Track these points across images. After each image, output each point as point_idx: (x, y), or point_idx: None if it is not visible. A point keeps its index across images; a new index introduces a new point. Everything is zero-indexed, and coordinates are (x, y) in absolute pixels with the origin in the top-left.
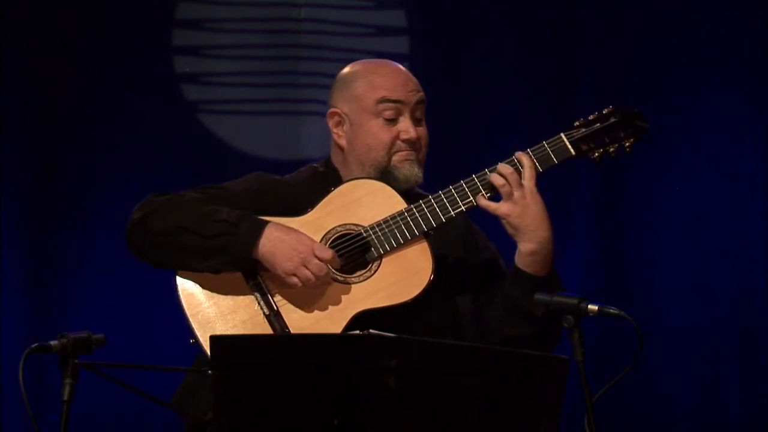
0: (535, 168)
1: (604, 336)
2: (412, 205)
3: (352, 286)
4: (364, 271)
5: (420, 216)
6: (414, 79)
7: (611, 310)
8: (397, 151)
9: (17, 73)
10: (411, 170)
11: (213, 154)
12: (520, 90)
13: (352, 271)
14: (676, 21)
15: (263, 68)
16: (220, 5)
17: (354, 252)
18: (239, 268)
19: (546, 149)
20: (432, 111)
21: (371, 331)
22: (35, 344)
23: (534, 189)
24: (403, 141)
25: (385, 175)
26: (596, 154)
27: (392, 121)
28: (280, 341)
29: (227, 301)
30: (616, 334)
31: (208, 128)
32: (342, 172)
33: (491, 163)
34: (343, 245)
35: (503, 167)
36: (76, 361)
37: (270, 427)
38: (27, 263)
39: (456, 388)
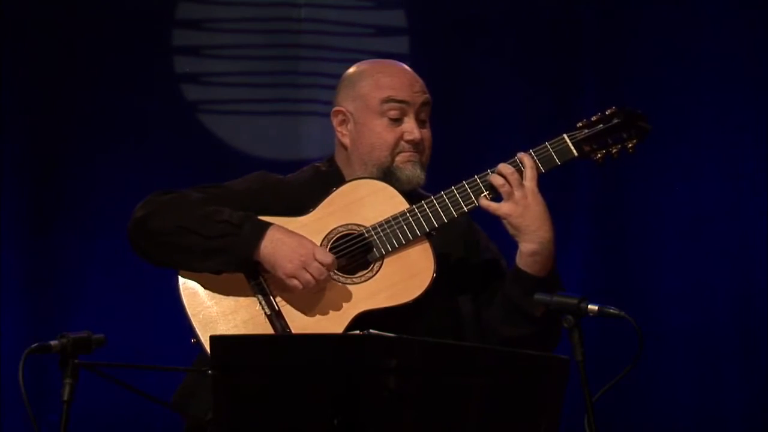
0: (537, 168)
1: (604, 336)
2: (414, 206)
3: (354, 286)
4: (366, 271)
5: (422, 216)
6: (420, 80)
7: (611, 310)
8: (401, 152)
9: (17, 73)
10: (413, 172)
11: (213, 154)
12: (520, 90)
13: (353, 272)
14: (676, 21)
15: (263, 68)
16: (220, 5)
17: (356, 252)
18: (240, 269)
19: (549, 150)
20: (432, 111)
21: (371, 331)
22: (35, 344)
23: (535, 189)
24: (407, 142)
25: (388, 175)
26: (599, 155)
27: (397, 121)
28: (280, 341)
29: (229, 301)
30: (616, 334)
31: (208, 128)
32: (345, 172)
33: (491, 163)
34: (344, 245)
35: (504, 167)
36: (76, 361)
37: (270, 427)
38: (27, 263)
39: (456, 388)
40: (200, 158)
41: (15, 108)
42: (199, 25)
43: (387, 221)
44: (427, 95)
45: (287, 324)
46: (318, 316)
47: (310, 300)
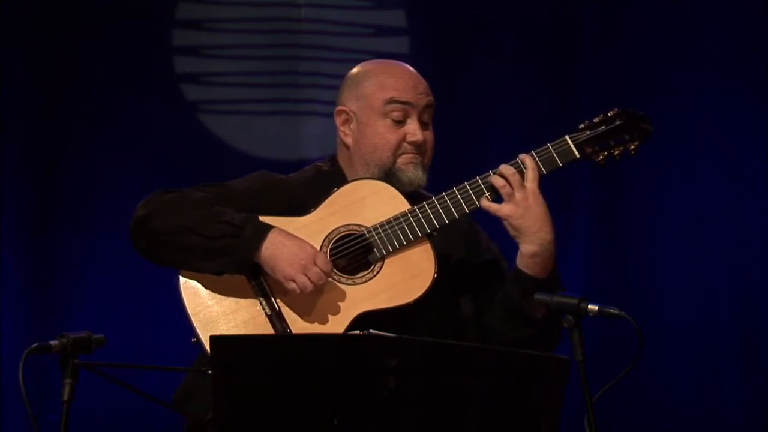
0: (539, 170)
1: (604, 336)
2: (415, 207)
3: (355, 286)
4: (367, 272)
5: (423, 217)
6: (424, 82)
7: (611, 310)
8: (403, 153)
9: (17, 73)
10: (415, 173)
11: (213, 154)
12: (520, 90)
13: (354, 272)
14: (676, 21)
15: (263, 68)
16: (220, 5)
17: (357, 253)
18: (241, 271)
19: (550, 151)
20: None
21: (371, 331)
22: (35, 344)
23: (536, 191)
24: (409, 143)
25: (389, 176)
26: (600, 156)
27: (400, 122)
28: (280, 341)
29: (229, 301)
30: (616, 334)
31: (209, 128)
32: (347, 172)
33: (491, 164)
34: (345, 246)
35: (505, 168)
36: (76, 361)
37: (270, 427)
38: (27, 263)
39: (456, 388)
40: (200, 158)
41: (15, 108)
42: (199, 25)
43: (388, 222)
44: (431, 97)
45: (288, 324)
46: (318, 317)
47: (311, 300)
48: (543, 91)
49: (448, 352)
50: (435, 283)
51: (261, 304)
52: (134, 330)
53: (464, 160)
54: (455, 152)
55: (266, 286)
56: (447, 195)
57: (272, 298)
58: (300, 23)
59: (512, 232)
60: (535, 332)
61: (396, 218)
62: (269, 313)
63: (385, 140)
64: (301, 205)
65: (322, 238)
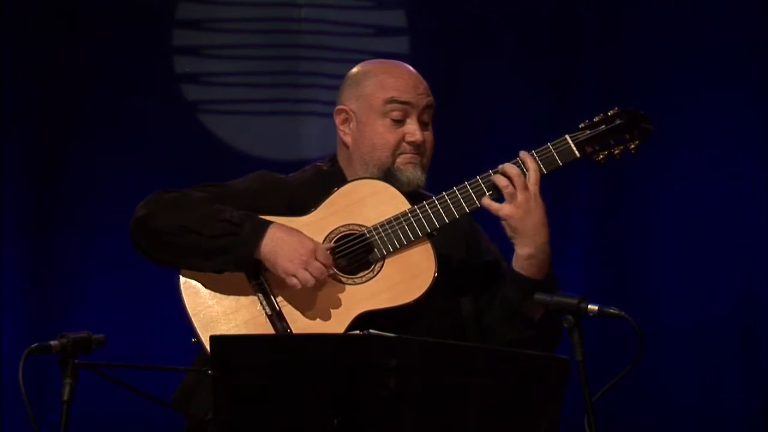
0: (540, 170)
1: (604, 336)
2: (415, 206)
3: (355, 286)
4: (367, 271)
5: (423, 217)
6: (424, 82)
7: (611, 310)
8: (402, 153)
9: (17, 73)
10: (414, 173)
11: (213, 154)
12: (520, 90)
13: (355, 272)
14: (676, 21)
15: (263, 68)
16: (220, 5)
17: (357, 252)
18: (242, 269)
19: (551, 151)
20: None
21: (371, 331)
22: (35, 344)
23: (538, 194)
24: (409, 143)
25: (388, 176)
26: (601, 156)
27: (399, 122)
28: (280, 341)
29: (230, 301)
30: (616, 334)
31: (208, 128)
32: (346, 171)
33: (491, 164)
34: (346, 246)
35: (510, 168)
36: (76, 361)
37: (270, 427)
38: (27, 263)
39: (456, 388)
40: (200, 158)
41: (15, 108)
42: (199, 25)
43: (388, 221)
44: (431, 98)
45: (288, 324)
46: (319, 316)
47: (311, 300)
48: (543, 91)
49: (448, 352)
50: (435, 283)
51: (261, 303)
52: (134, 330)
53: (464, 160)
54: (455, 152)
55: (266, 286)
56: (447, 195)
57: (272, 298)
58: (300, 23)
59: (509, 233)
60: (534, 333)
61: (396, 218)
62: (269, 312)
63: (384, 140)
64: (301, 205)
65: (323, 238)
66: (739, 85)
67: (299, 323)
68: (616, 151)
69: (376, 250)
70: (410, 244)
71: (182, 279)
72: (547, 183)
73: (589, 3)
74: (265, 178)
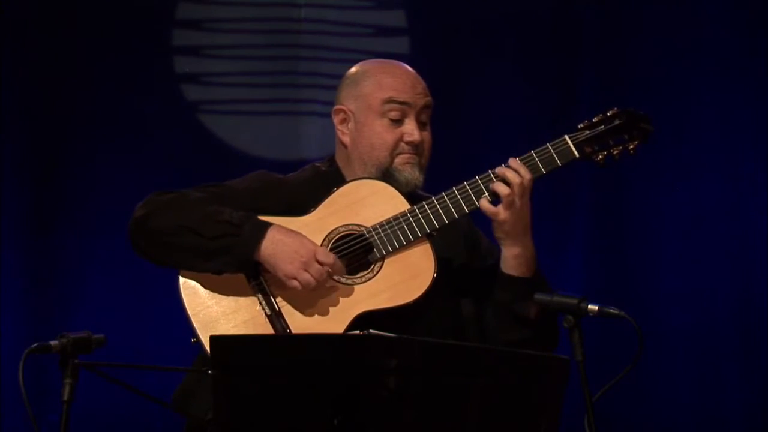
0: (539, 170)
1: (604, 336)
2: (415, 206)
3: (355, 287)
4: (367, 272)
5: (423, 217)
6: (423, 82)
7: (611, 310)
8: (400, 153)
9: (17, 73)
10: (412, 174)
11: (213, 154)
12: (520, 90)
13: (354, 272)
14: (676, 21)
15: (263, 68)
16: (220, 5)
17: (356, 253)
18: (241, 270)
19: (550, 151)
20: (432, 112)
21: (371, 331)
22: (35, 344)
23: (528, 198)
24: (407, 143)
25: (386, 176)
26: (600, 156)
27: (397, 122)
28: (280, 341)
29: (229, 301)
30: (616, 334)
31: (208, 128)
32: (345, 171)
33: (490, 164)
34: (345, 246)
35: (512, 176)
36: (76, 361)
37: (270, 427)
38: (27, 263)
39: (456, 388)
40: (200, 158)
41: (15, 108)
42: (199, 25)
43: (388, 222)
44: (429, 98)
45: (287, 324)
46: (318, 317)
47: (311, 300)
48: (543, 91)
49: (448, 352)
50: (435, 283)
51: (261, 303)
52: (134, 330)
53: (464, 160)
54: (455, 152)
55: (266, 286)
56: (447, 195)
57: (272, 298)
58: (300, 23)
59: (500, 234)
60: (530, 333)
61: (396, 218)
62: (269, 312)
63: (382, 140)
64: (300, 205)
65: (322, 238)
66: (739, 85)
67: (299, 323)
68: (615, 152)
69: (375, 250)
70: (410, 244)
71: (181, 279)
72: (547, 183)
73: (589, 3)
74: (264, 178)
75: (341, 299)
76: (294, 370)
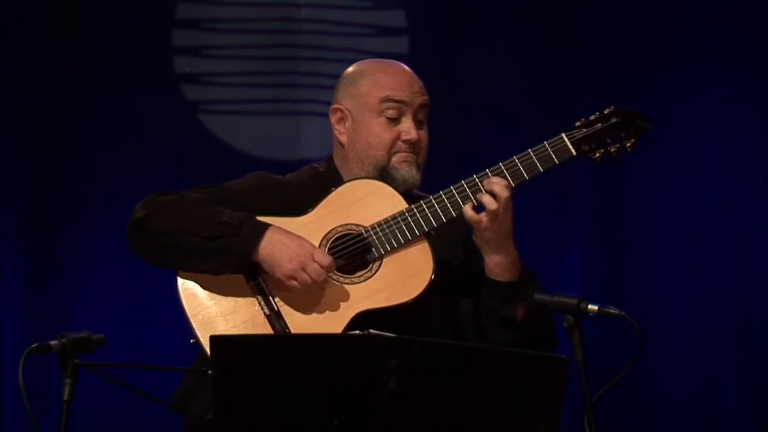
0: (536, 168)
1: (604, 336)
2: (413, 206)
3: (353, 286)
4: (365, 271)
5: (421, 216)
6: (419, 81)
7: (611, 310)
8: (397, 152)
9: (17, 73)
10: (409, 172)
11: (213, 154)
12: (520, 89)
13: (352, 272)
14: (676, 21)
15: (263, 68)
16: (220, 5)
17: (355, 252)
18: (240, 270)
19: (547, 149)
20: (431, 110)
21: (371, 331)
22: (35, 344)
23: (511, 209)
24: (404, 142)
25: (384, 174)
26: (597, 154)
27: (394, 120)
28: (279, 341)
29: (228, 302)
30: (616, 334)
31: (208, 128)
32: (342, 170)
33: (490, 163)
34: (343, 245)
35: (500, 190)
36: (76, 361)
37: (270, 427)
38: (27, 263)
39: (456, 388)
40: (200, 158)
41: (15, 108)
42: (199, 25)
43: (386, 221)
44: (426, 97)
45: (286, 324)
46: (317, 316)
47: (310, 300)
48: (543, 90)
49: (448, 351)
50: (433, 282)
51: (260, 303)
52: (134, 330)
53: (463, 159)
54: (454, 151)
55: (264, 286)
56: (444, 194)
57: (271, 298)
58: (300, 23)
59: (480, 243)
60: (519, 336)
61: (394, 217)
62: (268, 312)
63: (379, 138)
64: (298, 205)
65: (320, 238)
66: (739, 85)
67: (298, 323)
68: (613, 150)
69: (373, 249)
70: (408, 243)
71: (180, 280)
72: (547, 183)
73: (589, 2)
74: (262, 179)
75: (340, 299)
76: (294, 370)
